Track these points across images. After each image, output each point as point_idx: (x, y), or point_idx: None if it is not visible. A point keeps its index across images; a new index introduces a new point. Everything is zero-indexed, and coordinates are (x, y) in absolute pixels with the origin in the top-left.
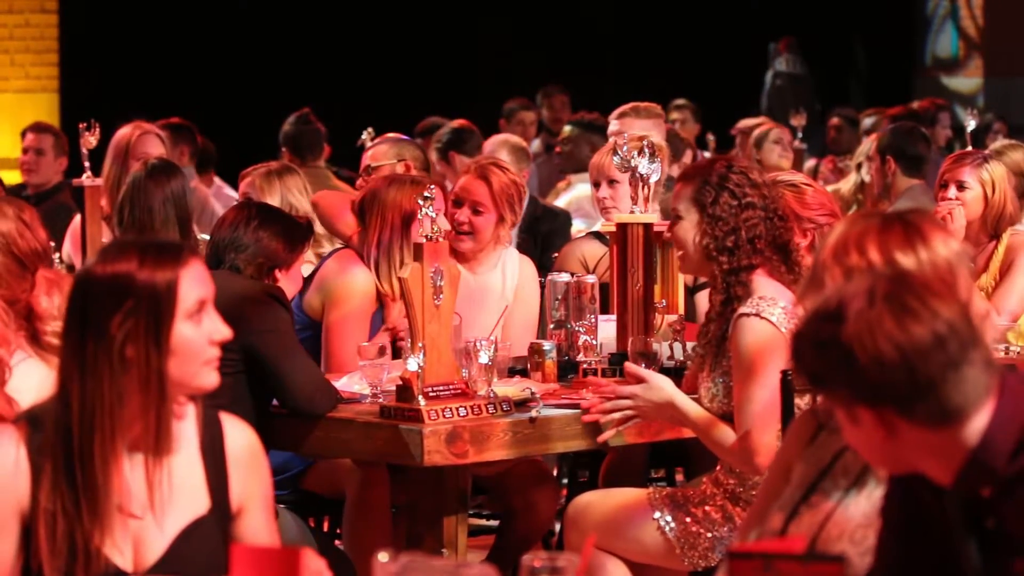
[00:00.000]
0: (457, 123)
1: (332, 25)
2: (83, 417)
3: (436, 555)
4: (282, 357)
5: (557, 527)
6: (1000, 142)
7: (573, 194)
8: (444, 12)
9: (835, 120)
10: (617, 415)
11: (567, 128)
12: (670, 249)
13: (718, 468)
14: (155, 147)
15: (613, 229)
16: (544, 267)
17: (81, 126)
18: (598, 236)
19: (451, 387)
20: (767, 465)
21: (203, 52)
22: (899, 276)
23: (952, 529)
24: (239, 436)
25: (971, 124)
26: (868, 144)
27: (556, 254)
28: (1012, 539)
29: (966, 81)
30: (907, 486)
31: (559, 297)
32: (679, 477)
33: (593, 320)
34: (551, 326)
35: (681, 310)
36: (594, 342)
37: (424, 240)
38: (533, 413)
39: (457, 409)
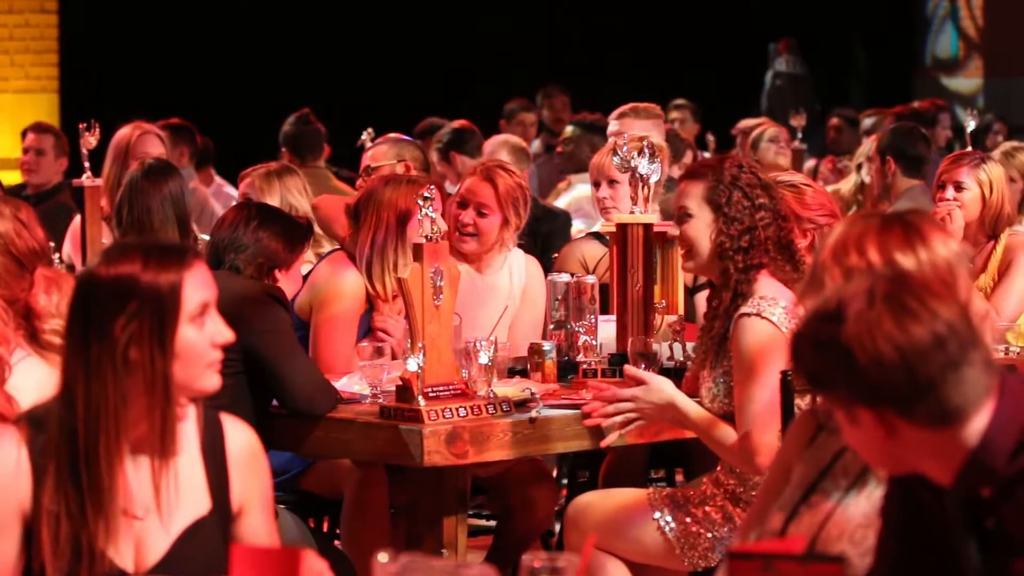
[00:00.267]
0: (458, 123)
1: (332, 25)
2: (88, 419)
3: (436, 555)
4: (282, 357)
5: (557, 527)
6: (1009, 144)
7: (573, 194)
8: (444, 12)
9: (835, 120)
10: (619, 418)
11: (569, 128)
12: (670, 249)
13: (718, 468)
14: (155, 147)
15: (613, 229)
16: (544, 268)
17: (81, 126)
18: (598, 236)
19: (451, 387)
20: (768, 465)
21: (203, 52)
22: (898, 277)
23: (952, 529)
24: (239, 436)
25: (971, 124)
26: (868, 145)
27: (556, 255)
28: (1012, 539)
29: (966, 81)
30: (907, 486)
31: (559, 297)
32: (679, 477)
33: (593, 320)
34: (551, 326)
35: (681, 310)
36: (594, 342)
37: (424, 240)
38: (533, 413)
39: (457, 409)
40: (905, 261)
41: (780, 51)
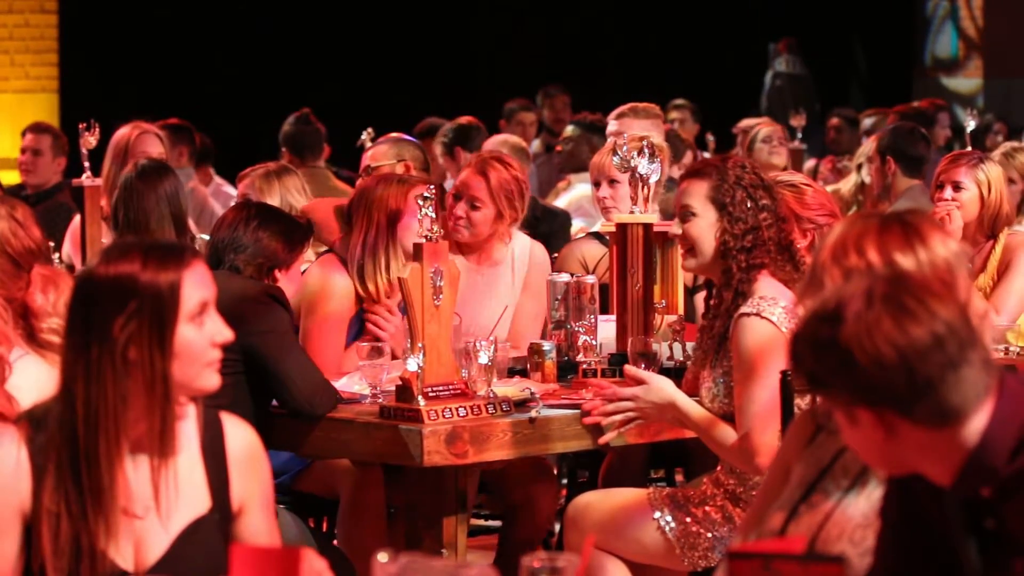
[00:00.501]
0: (464, 120)
1: (332, 25)
2: (87, 419)
3: (436, 555)
4: (282, 358)
5: (557, 527)
6: (1008, 144)
7: (573, 194)
8: (444, 12)
9: (835, 120)
10: (618, 417)
11: (569, 128)
12: (670, 249)
13: (718, 468)
14: (154, 147)
15: (613, 229)
16: None
17: (81, 126)
18: (598, 236)
19: (451, 387)
20: (768, 465)
21: (203, 52)
22: (897, 277)
23: (952, 529)
24: (240, 436)
25: (971, 124)
26: (868, 145)
27: (556, 254)
28: (1012, 539)
29: (966, 81)
30: (907, 487)
31: (559, 297)
32: (679, 477)
33: (593, 320)
34: (551, 326)
35: (681, 310)
36: (594, 342)
37: (424, 240)
38: (533, 413)
39: (457, 409)
40: (904, 261)
41: (780, 51)
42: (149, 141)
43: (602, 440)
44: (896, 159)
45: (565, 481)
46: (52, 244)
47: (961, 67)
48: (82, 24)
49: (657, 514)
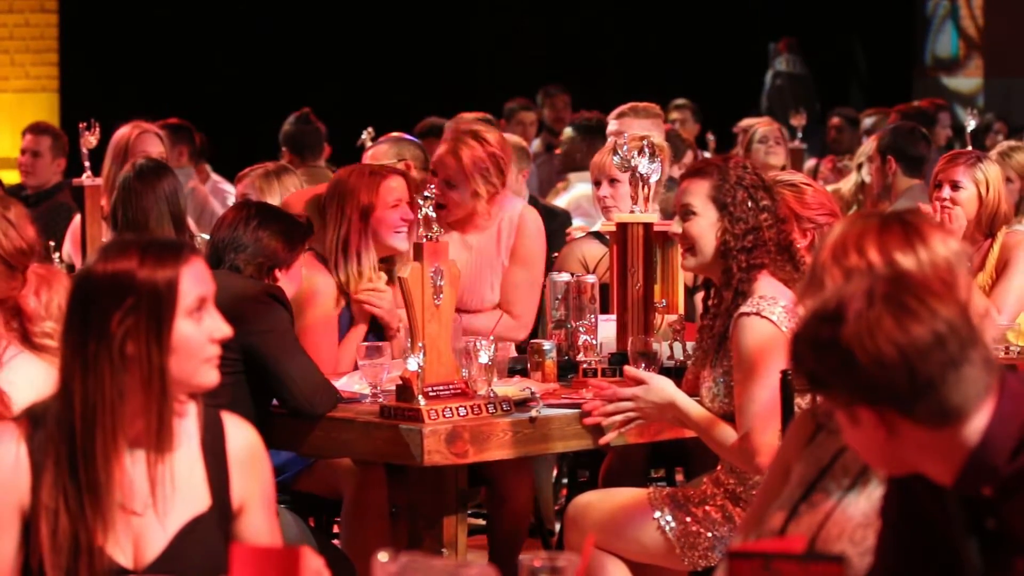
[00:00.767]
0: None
1: (332, 25)
2: (85, 415)
3: (436, 555)
4: (282, 357)
5: (557, 527)
6: (1006, 143)
7: (573, 194)
8: (444, 12)
9: (835, 120)
10: (619, 417)
11: (568, 129)
12: (670, 249)
13: (718, 468)
14: (154, 147)
15: (613, 229)
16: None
17: (81, 126)
18: (598, 236)
19: (451, 387)
20: (768, 465)
21: (203, 52)
22: (898, 276)
23: (952, 529)
24: (240, 435)
25: (971, 124)
26: (869, 144)
27: (556, 254)
28: (1013, 538)
29: (966, 81)
30: (907, 486)
31: (559, 297)
32: (679, 477)
33: (593, 320)
34: (551, 326)
35: (681, 310)
36: (594, 342)
37: (424, 240)
38: (533, 413)
39: (457, 409)
40: (905, 261)
41: (780, 51)
42: (149, 141)
43: (602, 440)
44: (897, 159)
45: (565, 481)
46: (52, 244)
47: (961, 67)
48: (82, 24)
49: (657, 514)
